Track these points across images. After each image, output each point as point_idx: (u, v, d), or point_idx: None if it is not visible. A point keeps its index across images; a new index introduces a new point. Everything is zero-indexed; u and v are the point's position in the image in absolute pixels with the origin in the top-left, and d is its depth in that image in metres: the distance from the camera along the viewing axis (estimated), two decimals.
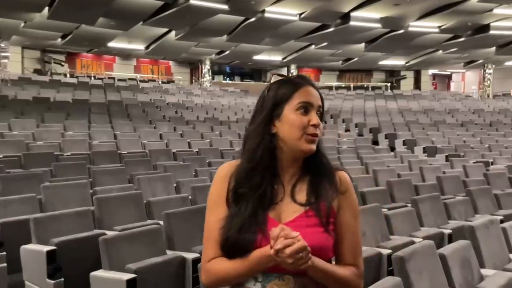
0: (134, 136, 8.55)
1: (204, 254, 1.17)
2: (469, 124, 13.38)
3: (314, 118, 1.15)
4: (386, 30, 15.65)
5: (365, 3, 13.11)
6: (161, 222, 3.44)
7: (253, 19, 13.90)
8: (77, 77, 17.60)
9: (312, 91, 1.18)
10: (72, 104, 10.99)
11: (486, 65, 21.84)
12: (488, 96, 21.65)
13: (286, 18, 13.91)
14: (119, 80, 17.58)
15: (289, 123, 1.14)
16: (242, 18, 14.03)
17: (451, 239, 3.76)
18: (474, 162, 8.16)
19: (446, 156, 9.00)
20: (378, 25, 14.74)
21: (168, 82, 20.43)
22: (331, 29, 14.95)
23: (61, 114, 9.40)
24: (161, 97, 14.40)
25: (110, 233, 3.08)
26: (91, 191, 4.49)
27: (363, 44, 17.54)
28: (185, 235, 3.25)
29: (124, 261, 2.72)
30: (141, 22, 13.90)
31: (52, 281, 2.91)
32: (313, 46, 18.05)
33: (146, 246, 2.96)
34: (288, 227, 1.02)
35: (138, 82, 17.77)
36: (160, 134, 8.93)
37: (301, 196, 1.15)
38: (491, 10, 13.51)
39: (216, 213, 1.16)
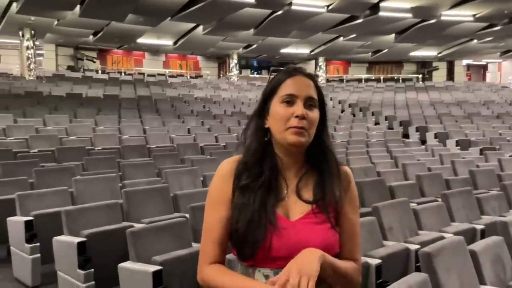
0: (163, 130, 8.69)
1: (204, 255, 1.15)
2: (505, 116, 12.86)
3: (298, 109, 1.10)
4: (417, 20, 15.21)
5: None
6: (188, 215, 3.48)
7: (280, 12, 13.81)
8: (108, 73, 18.04)
9: (299, 81, 1.13)
10: (103, 100, 11.27)
11: None
12: None
13: (314, 10, 13.73)
14: (148, 75, 17.88)
15: (274, 116, 1.13)
16: (269, 11, 13.95)
17: (483, 235, 3.63)
18: (510, 156, 7.87)
19: (481, 150, 8.68)
20: (409, 15, 14.34)
21: (196, 76, 20.65)
22: (360, 21, 14.65)
23: (92, 109, 9.65)
24: (189, 91, 14.55)
25: (137, 226, 3.14)
26: (120, 184, 4.60)
27: (393, 35, 17.13)
28: None
29: (151, 253, 2.77)
30: (169, 18, 14.07)
31: (83, 272, 3.00)
32: (341, 38, 17.77)
33: (172, 238, 3.00)
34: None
35: (167, 77, 18.02)
36: (188, 129, 9.03)
37: (308, 193, 1.14)
38: None
39: (218, 212, 1.14)
